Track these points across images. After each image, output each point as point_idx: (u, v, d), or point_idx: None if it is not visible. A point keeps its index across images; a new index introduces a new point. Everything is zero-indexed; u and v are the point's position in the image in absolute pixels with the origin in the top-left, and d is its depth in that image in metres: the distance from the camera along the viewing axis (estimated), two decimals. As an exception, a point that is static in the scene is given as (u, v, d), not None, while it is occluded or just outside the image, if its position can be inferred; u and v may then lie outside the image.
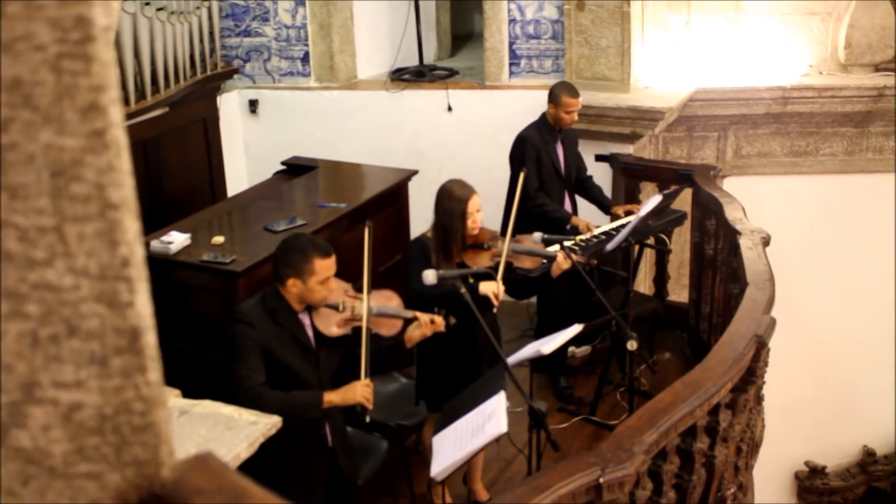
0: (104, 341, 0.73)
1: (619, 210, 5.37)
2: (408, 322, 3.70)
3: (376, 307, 3.63)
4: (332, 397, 3.45)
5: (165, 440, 0.77)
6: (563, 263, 4.29)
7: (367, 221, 3.73)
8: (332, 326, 3.53)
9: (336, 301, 3.55)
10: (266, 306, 3.47)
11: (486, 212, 4.20)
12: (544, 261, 4.35)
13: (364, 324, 3.52)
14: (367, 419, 3.48)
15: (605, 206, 5.49)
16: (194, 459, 0.80)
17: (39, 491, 0.74)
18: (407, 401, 4.36)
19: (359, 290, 3.64)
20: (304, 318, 3.54)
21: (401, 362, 3.75)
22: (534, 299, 5.52)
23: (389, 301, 3.74)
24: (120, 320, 0.74)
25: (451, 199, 4.05)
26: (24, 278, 0.71)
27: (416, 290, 3.88)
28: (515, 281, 4.24)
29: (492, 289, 3.97)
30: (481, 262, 4.12)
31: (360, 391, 3.44)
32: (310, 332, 3.54)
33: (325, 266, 3.44)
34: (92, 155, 0.71)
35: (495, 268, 4.11)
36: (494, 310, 4.05)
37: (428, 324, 3.64)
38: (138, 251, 0.74)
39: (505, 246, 4.14)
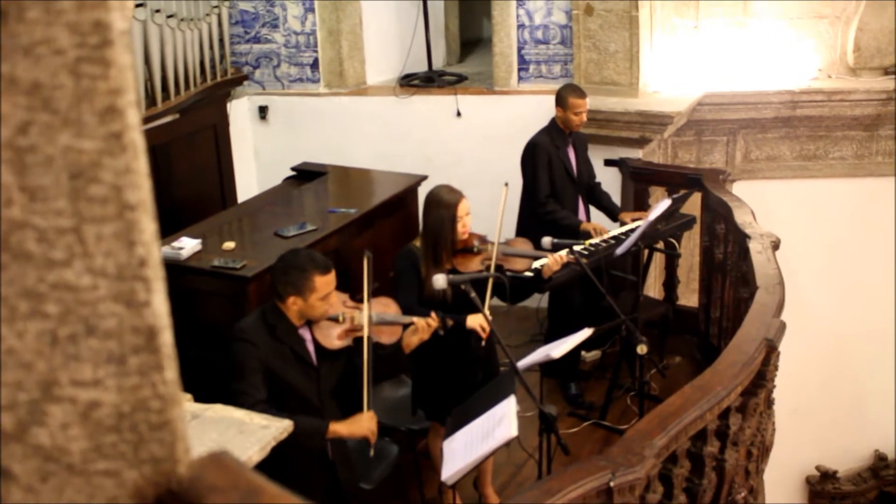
0: (122, 340, 0.74)
1: (627, 217, 5.37)
2: (405, 328, 3.67)
3: (376, 315, 3.60)
4: (339, 429, 3.39)
5: (181, 438, 0.78)
6: (553, 264, 4.24)
7: (367, 252, 3.63)
8: (333, 339, 3.49)
9: (335, 313, 3.50)
10: (266, 322, 3.41)
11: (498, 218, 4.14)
12: (536, 265, 4.31)
13: (365, 333, 3.47)
14: (372, 453, 3.43)
15: (612, 213, 5.48)
16: (209, 457, 0.81)
17: (58, 488, 0.75)
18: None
19: (357, 300, 3.62)
20: (305, 333, 3.49)
21: (400, 369, 3.69)
22: (544, 304, 5.53)
23: (388, 308, 3.71)
24: (137, 319, 0.75)
25: (440, 205, 3.99)
26: (44, 278, 0.72)
27: (407, 303, 3.81)
28: (508, 284, 4.10)
29: (479, 322, 3.88)
30: (472, 266, 4.05)
31: (366, 424, 3.40)
32: (311, 347, 3.49)
33: (325, 282, 3.38)
34: (109, 157, 0.72)
35: (501, 271, 4.09)
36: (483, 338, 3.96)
37: (425, 327, 3.62)
38: (155, 252, 0.75)
39: (494, 249, 4.07)
